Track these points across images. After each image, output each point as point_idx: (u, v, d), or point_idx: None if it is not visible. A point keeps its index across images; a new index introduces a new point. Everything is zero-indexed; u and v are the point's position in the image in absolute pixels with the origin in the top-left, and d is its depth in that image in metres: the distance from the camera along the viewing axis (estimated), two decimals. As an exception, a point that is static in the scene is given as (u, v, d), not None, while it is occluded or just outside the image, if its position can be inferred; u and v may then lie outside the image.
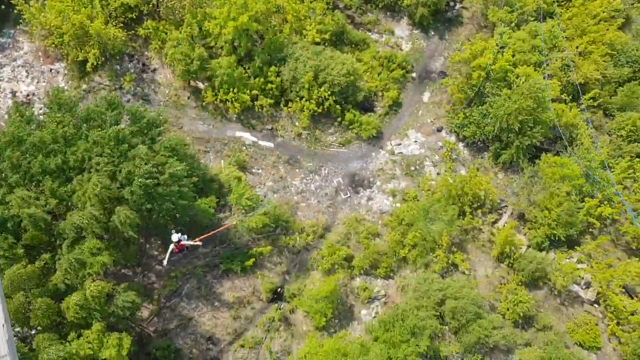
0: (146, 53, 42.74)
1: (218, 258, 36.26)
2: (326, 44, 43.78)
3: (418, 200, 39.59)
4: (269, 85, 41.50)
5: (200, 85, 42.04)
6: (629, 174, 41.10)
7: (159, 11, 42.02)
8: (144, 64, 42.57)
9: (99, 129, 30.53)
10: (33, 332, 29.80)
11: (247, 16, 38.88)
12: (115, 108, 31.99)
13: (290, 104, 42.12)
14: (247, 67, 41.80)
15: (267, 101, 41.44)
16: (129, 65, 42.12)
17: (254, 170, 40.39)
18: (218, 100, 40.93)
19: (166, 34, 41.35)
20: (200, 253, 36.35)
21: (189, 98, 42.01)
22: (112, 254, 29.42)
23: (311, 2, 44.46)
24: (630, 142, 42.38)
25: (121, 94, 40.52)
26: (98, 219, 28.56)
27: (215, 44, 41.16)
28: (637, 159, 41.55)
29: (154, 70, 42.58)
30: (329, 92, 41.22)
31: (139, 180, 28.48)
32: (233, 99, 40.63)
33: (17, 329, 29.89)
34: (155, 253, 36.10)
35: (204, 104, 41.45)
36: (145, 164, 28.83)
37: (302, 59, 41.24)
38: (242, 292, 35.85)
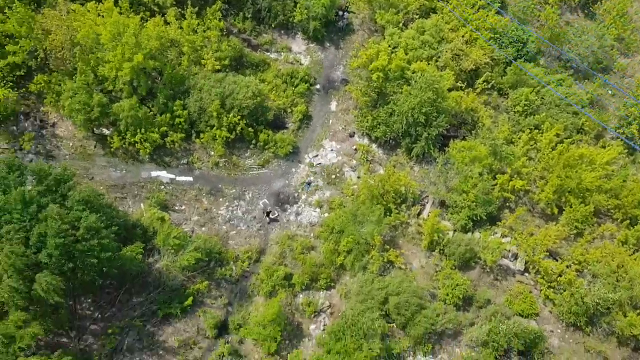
0: (42, 108, 40.91)
1: (155, 304, 35.10)
2: (227, 70, 43.80)
3: (344, 207, 40.31)
4: (177, 119, 40.95)
5: (106, 131, 40.78)
6: (531, 146, 44.02)
7: (48, 64, 40.37)
8: (41, 120, 40.73)
9: (3, 195, 28.94)
10: None
11: (142, 55, 38.24)
12: (17, 169, 30.48)
13: (201, 135, 41.73)
14: (151, 106, 41.03)
15: (177, 136, 40.87)
16: (26, 124, 40.17)
17: (176, 208, 39.58)
18: (126, 143, 39.83)
19: (60, 85, 39.79)
20: (135, 303, 35.08)
21: (95, 147, 40.61)
22: (42, 322, 27.99)
23: (204, 32, 44.41)
24: (527, 116, 45.37)
25: (22, 155, 38.53)
26: (18, 289, 27.06)
27: (114, 87, 40.11)
28: (536, 131, 44.57)
29: (53, 124, 40.85)
30: (239, 117, 41.25)
31: (54, 240, 27.18)
32: (142, 140, 39.72)
33: None
34: (88, 312, 34.48)
35: (112, 150, 40.20)
36: (57, 222, 27.58)
37: (206, 88, 41.04)
38: (186, 334, 34.93)
